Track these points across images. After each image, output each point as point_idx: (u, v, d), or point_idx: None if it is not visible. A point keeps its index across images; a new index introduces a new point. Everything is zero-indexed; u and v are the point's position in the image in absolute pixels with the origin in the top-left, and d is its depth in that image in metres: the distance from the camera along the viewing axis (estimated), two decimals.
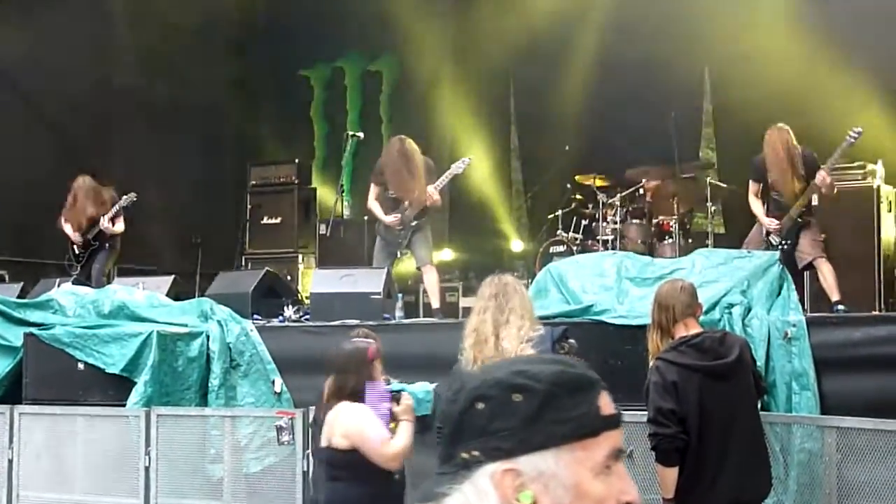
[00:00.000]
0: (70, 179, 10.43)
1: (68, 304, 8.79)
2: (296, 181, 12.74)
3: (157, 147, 12.85)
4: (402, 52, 14.32)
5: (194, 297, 9.59)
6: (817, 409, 6.41)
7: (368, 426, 5.02)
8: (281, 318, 9.05)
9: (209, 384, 8.05)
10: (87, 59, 12.80)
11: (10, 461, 7.98)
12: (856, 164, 9.04)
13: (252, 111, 14.38)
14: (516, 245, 13.28)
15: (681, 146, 10.52)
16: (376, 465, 5.01)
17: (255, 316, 8.85)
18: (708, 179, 10.54)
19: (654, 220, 10.52)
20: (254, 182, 12.91)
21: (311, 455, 6.36)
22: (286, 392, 7.96)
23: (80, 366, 8.09)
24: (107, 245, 10.40)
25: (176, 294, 9.50)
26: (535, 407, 1.49)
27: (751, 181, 8.39)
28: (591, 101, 12.39)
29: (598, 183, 11.11)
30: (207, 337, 8.16)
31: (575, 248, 10.55)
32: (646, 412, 5.04)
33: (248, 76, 14.66)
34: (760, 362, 6.30)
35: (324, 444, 5.14)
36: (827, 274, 7.94)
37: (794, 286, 7.18)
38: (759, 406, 5.52)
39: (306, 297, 10.04)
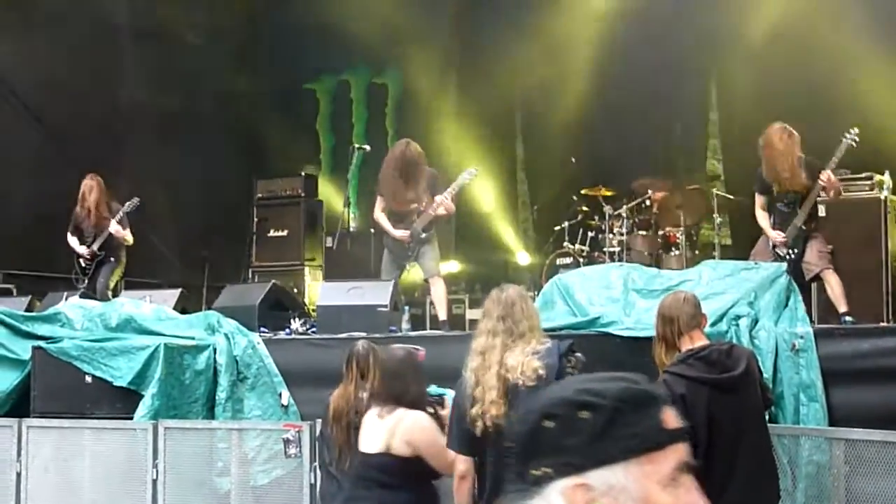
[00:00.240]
0: (76, 193, 10.49)
1: (76, 317, 8.80)
2: (302, 194, 12.77)
3: (164, 161, 12.87)
4: (407, 64, 14.36)
5: (201, 310, 9.60)
6: (825, 420, 6.39)
7: (439, 434, 5.01)
8: (288, 330, 9.03)
9: (216, 397, 8.05)
10: (95, 74, 12.84)
11: (18, 474, 7.97)
12: (863, 174, 9.02)
13: (258, 124, 14.41)
14: (522, 257, 13.28)
15: (687, 157, 10.52)
16: (429, 472, 5.01)
17: (262, 329, 8.84)
18: (714, 191, 10.55)
19: (661, 232, 10.53)
20: (260, 195, 12.94)
21: (318, 468, 6.35)
22: (293, 405, 7.95)
23: (88, 379, 8.09)
24: (111, 258, 10.46)
25: (183, 307, 9.52)
26: (602, 423, 1.55)
27: (757, 194, 8.37)
28: (597, 113, 12.37)
29: (605, 194, 11.12)
30: (214, 350, 8.16)
31: (581, 259, 10.56)
32: None
33: (254, 89, 14.69)
34: (768, 374, 6.28)
35: (373, 449, 5.05)
36: (834, 285, 7.91)
37: (801, 297, 7.17)
38: (766, 418, 5.51)
39: (313, 310, 10.03)
